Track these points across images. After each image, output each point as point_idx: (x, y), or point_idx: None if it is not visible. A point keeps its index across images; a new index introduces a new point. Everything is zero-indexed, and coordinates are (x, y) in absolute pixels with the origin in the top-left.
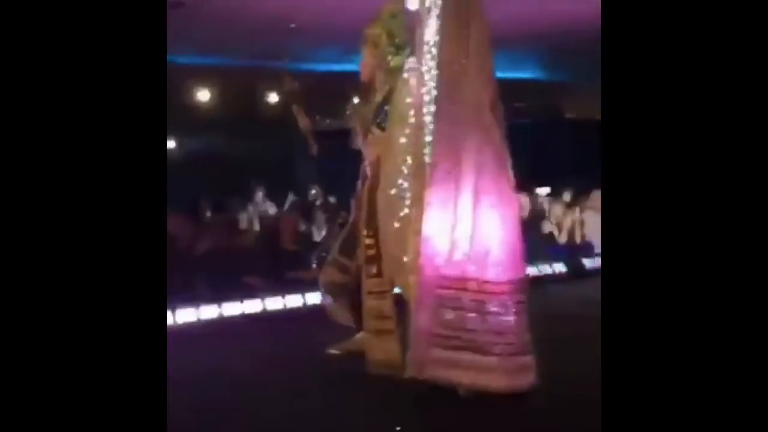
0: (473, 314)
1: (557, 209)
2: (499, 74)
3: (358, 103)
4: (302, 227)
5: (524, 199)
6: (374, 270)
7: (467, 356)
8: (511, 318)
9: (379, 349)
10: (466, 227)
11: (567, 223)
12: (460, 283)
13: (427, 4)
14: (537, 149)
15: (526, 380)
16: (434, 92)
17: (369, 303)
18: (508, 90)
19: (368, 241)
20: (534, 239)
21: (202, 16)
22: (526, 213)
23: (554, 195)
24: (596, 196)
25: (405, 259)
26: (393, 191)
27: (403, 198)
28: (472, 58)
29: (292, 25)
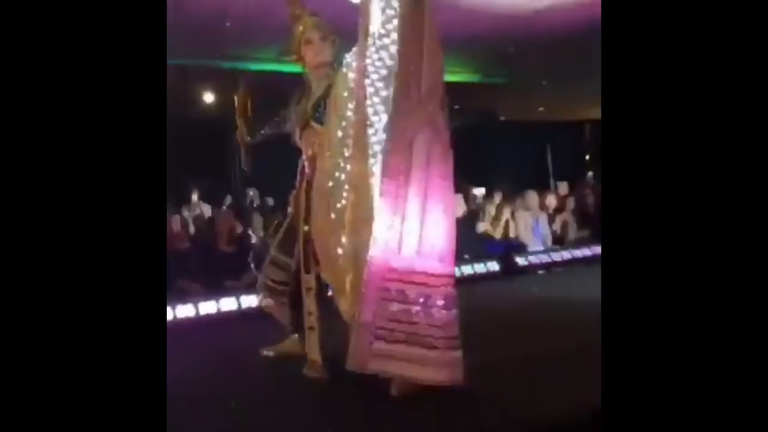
0: (418, 307)
1: (491, 209)
2: None
3: (296, 99)
4: (239, 229)
5: (460, 199)
6: (308, 264)
7: (410, 349)
8: (452, 312)
9: (306, 347)
10: (415, 221)
11: (501, 222)
12: (408, 276)
13: None
14: (472, 151)
15: (460, 374)
16: (379, 85)
17: (304, 299)
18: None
19: (306, 236)
20: (469, 238)
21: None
22: (461, 212)
23: (488, 195)
24: (529, 196)
25: (339, 251)
26: (330, 184)
27: (340, 191)
28: (426, 58)
29: (228, 24)
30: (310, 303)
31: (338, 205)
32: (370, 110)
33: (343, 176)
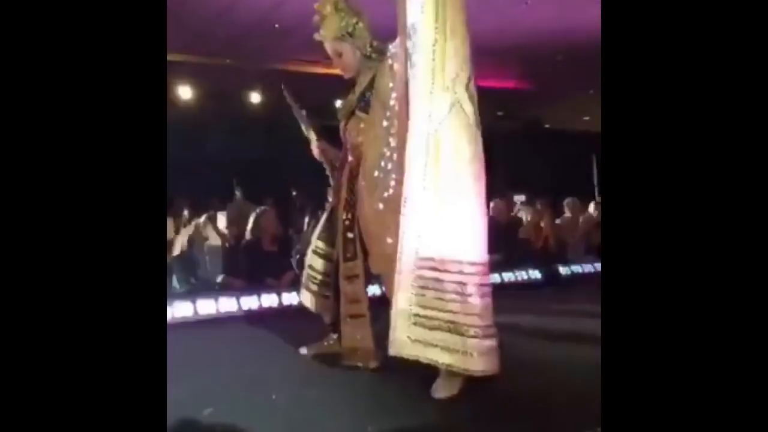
0: (453, 295)
1: (534, 216)
2: (482, 83)
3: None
4: (280, 228)
5: (503, 205)
6: (349, 253)
7: (448, 337)
8: (488, 300)
9: (350, 336)
10: (445, 209)
11: (543, 231)
12: (441, 264)
13: None
14: (516, 157)
15: (497, 363)
16: (418, 74)
17: (344, 288)
18: (489, 99)
19: (347, 223)
20: (512, 245)
21: (185, 15)
22: (504, 218)
23: (531, 203)
24: (574, 205)
25: (389, 240)
26: (376, 173)
27: (387, 180)
28: (450, 41)
29: (276, 26)
30: (357, 290)
31: (385, 195)
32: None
33: (389, 165)
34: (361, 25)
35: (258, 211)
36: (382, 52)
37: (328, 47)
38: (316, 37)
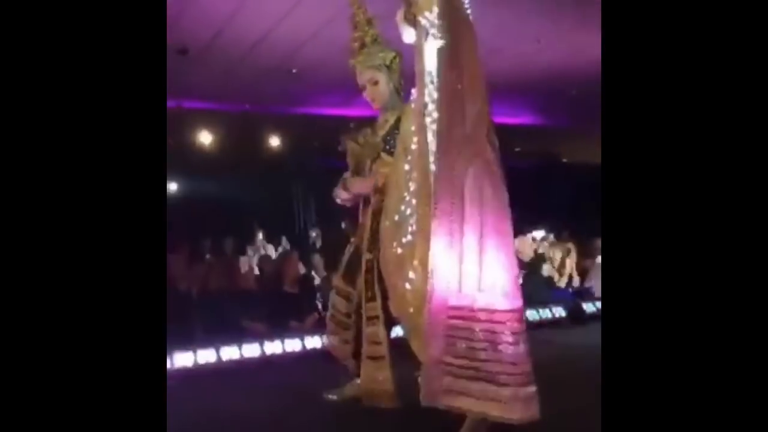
0: (485, 344)
1: (557, 253)
2: (497, 119)
3: (366, 131)
4: (303, 270)
5: (525, 242)
6: (370, 293)
7: (481, 386)
8: (522, 347)
9: (371, 377)
10: (473, 258)
11: (567, 267)
12: (470, 313)
13: (423, 32)
14: (535, 193)
15: (536, 410)
16: (437, 121)
17: (365, 329)
18: (506, 135)
19: (369, 264)
20: (535, 282)
21: (206, 63)
22: (526, 256)
23: (552, 239)
24: (596, 242)
25: (407, 286)
26: (396, 217)
27: (406, 225)
28: (467, 90)
29: (294, 71)
30: (377, 331)
31: (404, 240)
32: (432, 147)
33: (408, 210)
34: (397, 60)
35: (281, 253)
36: (408, 94)
37: (365, 75)
38: (351, 62)
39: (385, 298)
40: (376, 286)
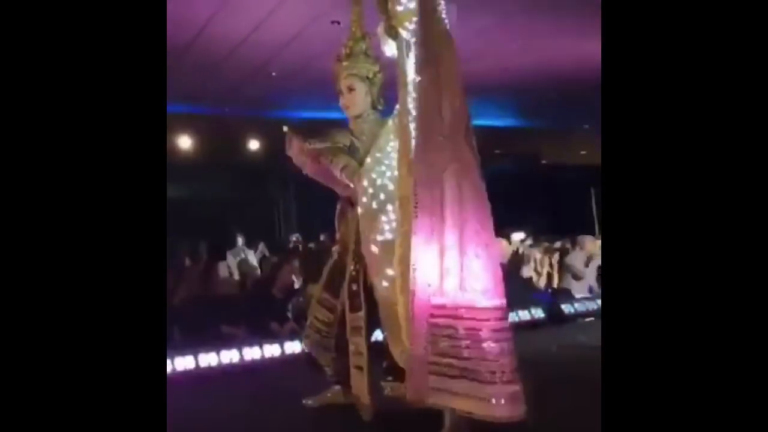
0: (468, 341)
1: (537, 254)
2: (478, 121)
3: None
4: (297, 282)
5: (504, 244)
6: (355, 303)
7: (465, 384)
8: (505, 345)
9: (356, 386)
10: (454, 257)
11: (544, 271)
12: (454, 311)
13: (404, 43)
14: (515, 195)
15: (521, 409)
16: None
17: (351, 339)
18: (486, 137)
19: (353, 274)
20: (514, 284)
21: (184, 66)
22: (506, 258)
23: (531, 241)
24: (585, 241)
25: (384, 284)
26: (390, 236)
27: (388, 224)
28: (445, 93)
29: (273, 74)
30: (359, 342)
31: (381, 238)
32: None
33: (391, 214)
34: (380, 76)
35: (275, 260)
36: (384, 112)
37: (345, 81)
38: (335, 66)
39: (370, 308)
40: (362, 296)
